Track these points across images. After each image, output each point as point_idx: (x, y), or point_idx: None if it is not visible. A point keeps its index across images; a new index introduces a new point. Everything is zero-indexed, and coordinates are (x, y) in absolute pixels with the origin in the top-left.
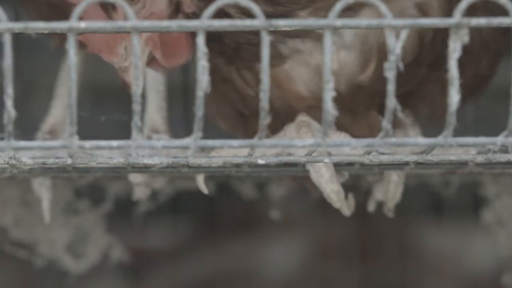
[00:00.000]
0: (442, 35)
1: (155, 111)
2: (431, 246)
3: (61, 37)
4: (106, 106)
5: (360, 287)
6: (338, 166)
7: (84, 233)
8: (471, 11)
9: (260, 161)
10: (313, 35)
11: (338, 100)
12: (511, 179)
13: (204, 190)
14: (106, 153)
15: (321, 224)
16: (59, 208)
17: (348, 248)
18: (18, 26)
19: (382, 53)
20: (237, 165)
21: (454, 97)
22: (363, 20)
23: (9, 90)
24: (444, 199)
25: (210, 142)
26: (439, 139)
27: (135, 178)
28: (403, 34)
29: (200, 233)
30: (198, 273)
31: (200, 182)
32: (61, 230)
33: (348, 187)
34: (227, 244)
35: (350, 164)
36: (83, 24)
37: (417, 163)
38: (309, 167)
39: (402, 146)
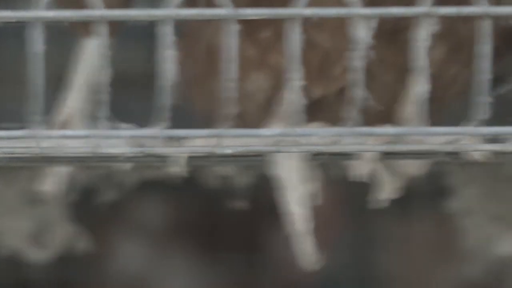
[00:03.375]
0: None
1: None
2: (397, 235)
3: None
4: None
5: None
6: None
7: (48, 223)
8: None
9: (227, 151)
10: None
11: None
12: (479, 168)
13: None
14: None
15: None
16: (24, 198)
17: None
18: None
19: None
20: (204, 155)
21: (422, 87)
22: (332, 9)
23: None
24: (410, 187)
25: (177, 132)
26: (409, 129)
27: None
28: (373, 23)
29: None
30: None
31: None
32: (24, 220)
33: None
34: None
35: (319, 154)
36: (50, 13)
37: (386, 153)
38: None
39: (370, 135)
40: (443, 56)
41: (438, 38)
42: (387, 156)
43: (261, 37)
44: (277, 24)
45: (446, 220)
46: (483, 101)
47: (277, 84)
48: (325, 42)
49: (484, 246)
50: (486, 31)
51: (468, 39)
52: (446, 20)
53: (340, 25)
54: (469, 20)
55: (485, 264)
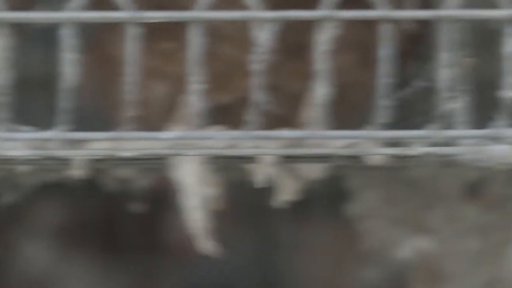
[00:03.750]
0: None
1: None
2: (297, 238)
3: None
4: None
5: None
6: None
7: None
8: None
9: (127, 154)
10: None
11: None
12: (378, 172)
13: None
14: None
15: None
16: None
17: None
18: None
19: None
20: (104, 158)
21: (320, 90)
22: (233, 12)
23: None
24: (309, 191)
25: (77, 135)
26: (308, 132)
27: None
28: (272, 26)
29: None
30: None
31: None
32: None
33: None
34: None
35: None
36: None
37: (286, 157)
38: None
39: (269, 139)
40: (355, 64)
41: (349, 48)
42: (287, 159)
43: (162, 47)
44: (178, 34)
45: (345, 224)
46: (385, 104)
47: (176, 92)
48: (227, 52)
49: (383, 250)
50: (387, 35)
51: (376, 48)
52: (357, 31)
53: (241, 35)
54: (376, 29)
55: (384, 268)
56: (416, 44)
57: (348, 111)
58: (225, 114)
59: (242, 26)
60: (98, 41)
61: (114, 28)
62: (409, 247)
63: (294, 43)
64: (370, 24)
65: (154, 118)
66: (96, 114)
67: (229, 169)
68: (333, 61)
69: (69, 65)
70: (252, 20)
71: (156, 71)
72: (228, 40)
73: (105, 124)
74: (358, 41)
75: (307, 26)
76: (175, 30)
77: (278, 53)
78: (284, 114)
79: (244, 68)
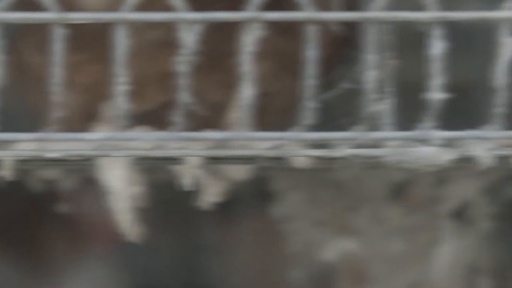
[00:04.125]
0: None
1: None
2: (221, 239)
3: None
4: None
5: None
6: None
7: None
8: None
9: (52, 154)
10: None
11: None
12: (303, 174)
13: None
14: None
15: None
16: None
17: None
18: None
19: None
20: (30, 159)
21: (245, 92)
22: (158, 14)
23: None
24: (234, 192)
25: (2, 136)
26: (233, 134)
27: None
28: (198, 28)
29: None
30: None
31: None
32: None
33: None
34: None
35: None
36: None
37: (211, 158)
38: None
39: (195, 140)
40: (274, 73)
41: (267, 57)
42: (213, 160)
43: (72, 60)
44: (88, 46)
45: (270, 225)
46: (310, 106)
47: (88, 103)
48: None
49: (307, 251)
50: (312, 36)
51: (295, 57)
52: (275, 39)
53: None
54: (295, 38)
55: (310, 269)
56: (343, 46)
57: (269, 119)
58: (152, 118)
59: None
60: (15, 45)
61: (32, 31)
62: (334, 249)
63: (216, 52)
64: (289, 32)
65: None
66: (22, 115)
67: (155, 170)
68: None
69: None
70: (178, 22)
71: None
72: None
73: (31, 125)
74: (277, 49)
75: (229, 35)
76: (85, 42)
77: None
78: (210, 116)
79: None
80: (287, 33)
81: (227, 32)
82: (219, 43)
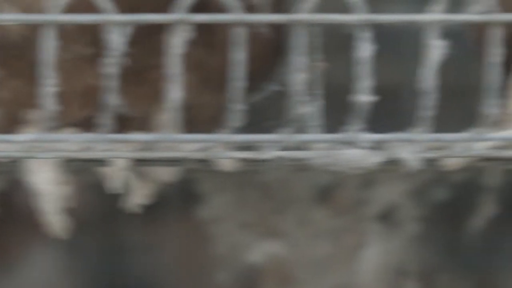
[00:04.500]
0: None
1: None
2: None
3: None
4: None
5: None
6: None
7: None
8: None
9: None
10: None
11: None
12: (230, 176)
13: None
14: None
15: None
16: None
17: None
18: None
19: None
20: None
21: (172, 94)
22: (87, 16)
23: None
24: (161, 194)
25: None
26: (160, 135)
27: None
28: (126, 30)
29: None
30: None
31: None
32: None
33: None
34: None
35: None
36: None
37: (139, 160)
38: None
39: (122, 142)
40: (197, 85)
41: (191, 70)
42: (140, 162)
43: None
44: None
45: (197, 227)
46: (237, 108)
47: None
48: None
49: (234, 253)
50: (240, 39)
51: (219, 69)
52: (197, 53)
53: (73, 69)
54: (219, 51)
55: (235, 271)
56: (271, 49)
57: (196, 132)
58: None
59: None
60: None
61: None
62: (260, 251)
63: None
64: (213, 44)
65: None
66: None
67: (83, 172)
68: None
69: None
70: (105, 23)
71: None
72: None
73: None
74: (201, 62)
75: (154, 48)
76: (5, 57)
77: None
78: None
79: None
80: (211, 46)
81: (152, 45)
82: (144, 56)
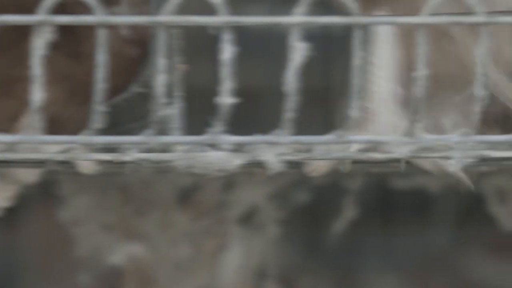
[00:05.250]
0: None
1: None
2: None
3: None
4: None
5: None
6: None
7: None
8: None
9: None
10: None
11: None
12: (89, 178)
13: None
14: None
15: None
16: None
17: None
18: None
19: None
20: None
21: (36, 95)
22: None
23: None
24: (23, 196)
25: None
26: (22, 137)
27: None
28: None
29: None
30: None
31: None
32: None
33: None
34: None
35: None
36: None
37: (1, 161)
38: None
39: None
40: (63, 97)
41: (56, 81)
42: (1, 164)
43: None
44: None
45: (59, 229)
46: (99, 110)
47: None
48: None
49: (95, 255)
50: (102, 40)
51: (85, 82)
52: (64, 64)
53: None
54: (86, 63)
55: (96, 273)
56: (136, 50)
57: None
58: None
59: None
60: None
61: None
62: (122, 253)
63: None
64: (79, 56)
65: None
66: None
67: None
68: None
69: None
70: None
71: None
72: None
73: None
74: (66, 74)
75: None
76: None
77: None
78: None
79: None
80: (77, 57)
81: (16, 57)
82: (7, 69)
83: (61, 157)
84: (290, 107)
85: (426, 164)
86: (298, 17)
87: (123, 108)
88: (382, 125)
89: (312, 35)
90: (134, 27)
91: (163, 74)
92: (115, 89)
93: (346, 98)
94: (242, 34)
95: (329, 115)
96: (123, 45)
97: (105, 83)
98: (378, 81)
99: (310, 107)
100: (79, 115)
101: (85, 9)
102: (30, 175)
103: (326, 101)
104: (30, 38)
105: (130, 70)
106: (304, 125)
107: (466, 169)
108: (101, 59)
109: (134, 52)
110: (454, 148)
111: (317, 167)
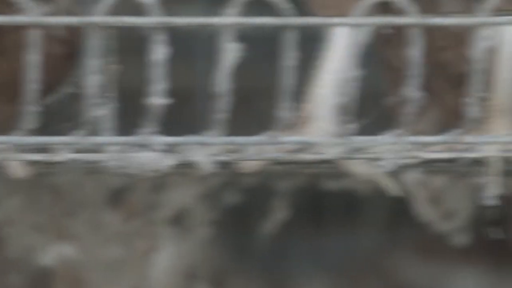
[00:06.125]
0: None
1: None
2: None
3: None
4: None
5: None
6: None
7: None
8: None
9: None
10: None
11: None
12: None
13: None
14: None
15: None
16: None
17: None
18: None
19: None
20: None
21: None
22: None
23: None
24: None
25: None
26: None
27: None
28: None
29: None
30: None
31: None
32: None
33: None
34: None
35: None
36: None
37: None
38: None
39: None
40: None
41: None
42: None
43: None
44: None
45: None
46: (31, 110)
47: None
48: None
49: (26, 256)
50: (35, 40)
51: (10, 79)
52: None
53: None
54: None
55: (26, 274)
56: (67, 50)
57: None
58: None
59: None
60: None
61: None
62: (52, 254)
63: None
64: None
65: None
66: None
67: None
68: None
69: None
70: None
71: None
72: None
73: None
74: None
75: None
76: None
77: None
78: None
79: None
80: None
81: None
82: None
83: None
84: (222, 107)
85: (355, 166)
86: (230, 18)
87: (54, 108)
88: (318, 129)
89: (247, 34)
90: (65, 27)
91: (94, 74)
92: (44, 88)
93: (278, 98)
94: (175, 35)
95: (261, 115)
96: (52, 44)
97: (37, 83)
98: (322, 85)
99: (243, 108)
100: (5, 110)
101: (12, 8)
102: None
103: (258, 101)
104: None
105: (59, 69)
106: (236, 126)
107: (398, 170)
108: (33, 59)
109: (63, 51)
110: (385, 150)
111: (247, 168)
